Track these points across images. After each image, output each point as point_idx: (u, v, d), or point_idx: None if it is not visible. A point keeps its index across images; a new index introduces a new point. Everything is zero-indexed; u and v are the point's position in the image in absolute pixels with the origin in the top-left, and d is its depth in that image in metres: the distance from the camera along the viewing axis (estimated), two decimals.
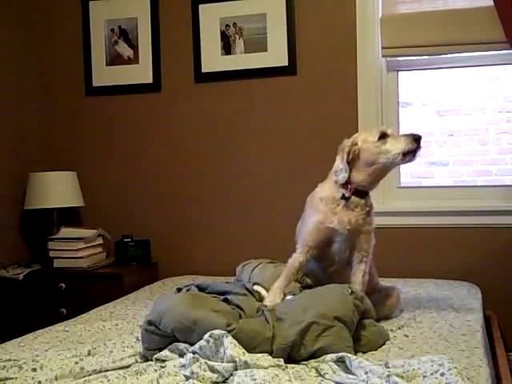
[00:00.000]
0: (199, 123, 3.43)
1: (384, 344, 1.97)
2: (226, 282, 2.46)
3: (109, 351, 1.86)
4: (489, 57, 3.08)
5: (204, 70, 3.38)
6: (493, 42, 2.94)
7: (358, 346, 1.87)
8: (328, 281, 2.16)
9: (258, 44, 3.29)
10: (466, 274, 2.97)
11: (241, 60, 3.32)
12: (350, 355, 1.67)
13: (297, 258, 2.19)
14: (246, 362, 1.61)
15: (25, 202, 3.37)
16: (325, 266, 2.22)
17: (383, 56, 3.14)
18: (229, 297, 2.02)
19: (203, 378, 1.58)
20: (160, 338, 1.81)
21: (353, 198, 2.14)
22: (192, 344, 1.73)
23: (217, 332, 1.68)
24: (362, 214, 2.14)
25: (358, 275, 2.14)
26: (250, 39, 3.30)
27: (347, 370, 1.64)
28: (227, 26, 3.33)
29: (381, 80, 3.18)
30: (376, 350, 1.92)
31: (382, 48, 3.11)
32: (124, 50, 3.51)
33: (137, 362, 1.80)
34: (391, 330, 2.09)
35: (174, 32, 3.44)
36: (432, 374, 1.55)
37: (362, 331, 1.92)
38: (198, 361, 1.64)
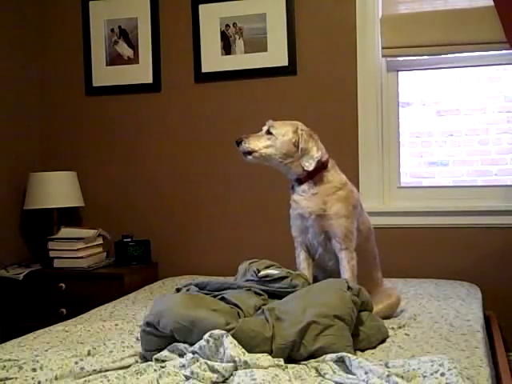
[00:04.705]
0: (199, 123, 3.43)
1: (384, 342, 1.97)
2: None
3: (109, 351, 1.86)
4: (489, 57, 3.08)
5: (204, 70, 3.39)
6: (493, 42, 2.94)
7: (357, 342, 1.87)
8: (317, 267, 2.30)
9: (258, 44, 3.29)
10: (466, 274, 2.97)
11: (241, 60, 3.32)
12: (349, 355, 1.67)
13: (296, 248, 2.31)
14: (245, 362, 1.60)
15: (25, 202, 3.37)
16: (312, 254, 2.29)
17: (383, 56, 3.14)
18: (226, 296, 2.01)
19: (203, 378, 1.57)
20: (159, 339, 1.80)
21: (295, 184, 2.30)
22: (192, 344, 1.72)
23: (217, 332, 1.67)
24: (315, 198, 2.21)
25: (344, 263, 2.19)
26: (250, 39, 3.30)
27: (347, 370, 1.64)
28: (227, 26, 3.33)
29: (381, 80, 3.18)
30: (375, 346, 1.93)
31: (382, 48, 3.11)
32: (124, 50, 3.51)
33: (137, 362, 1.79)
34: (392, 328, 2.09)
35: (174, 32, 3.44)
36: (432, 374, 1.55)
37: (360, 326, 1.92)
38: (197, 361, 1.64)
